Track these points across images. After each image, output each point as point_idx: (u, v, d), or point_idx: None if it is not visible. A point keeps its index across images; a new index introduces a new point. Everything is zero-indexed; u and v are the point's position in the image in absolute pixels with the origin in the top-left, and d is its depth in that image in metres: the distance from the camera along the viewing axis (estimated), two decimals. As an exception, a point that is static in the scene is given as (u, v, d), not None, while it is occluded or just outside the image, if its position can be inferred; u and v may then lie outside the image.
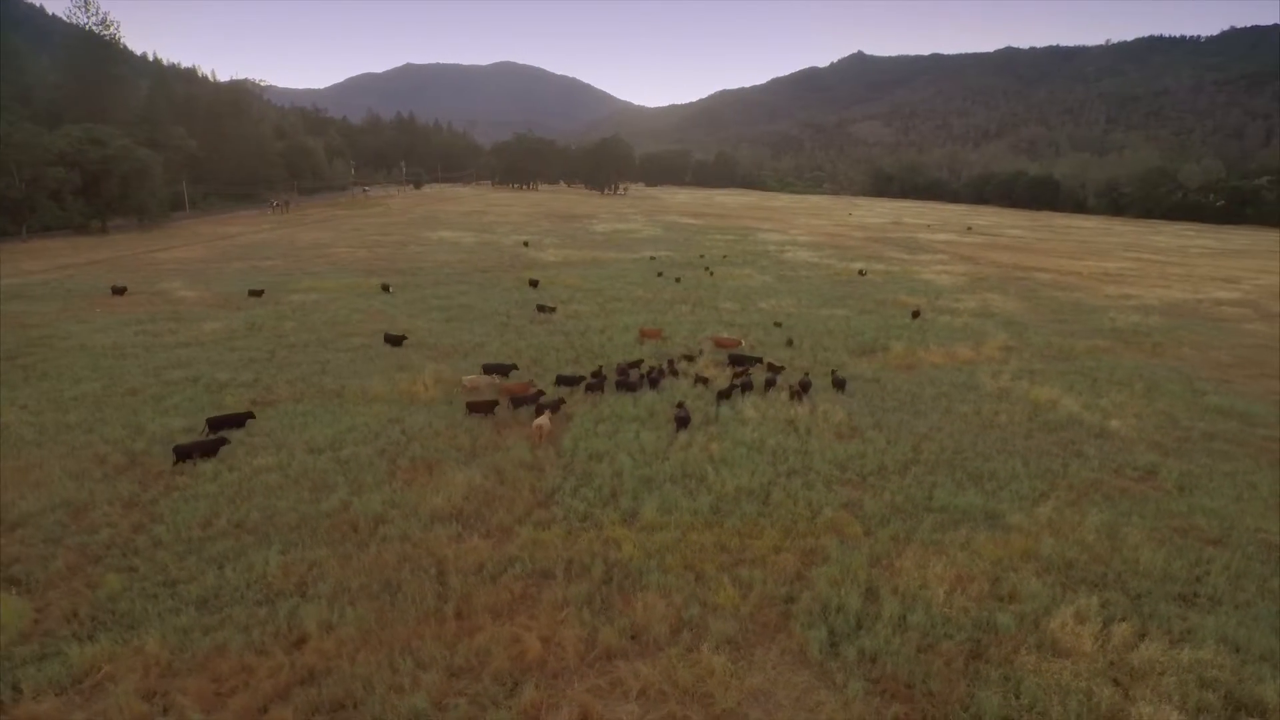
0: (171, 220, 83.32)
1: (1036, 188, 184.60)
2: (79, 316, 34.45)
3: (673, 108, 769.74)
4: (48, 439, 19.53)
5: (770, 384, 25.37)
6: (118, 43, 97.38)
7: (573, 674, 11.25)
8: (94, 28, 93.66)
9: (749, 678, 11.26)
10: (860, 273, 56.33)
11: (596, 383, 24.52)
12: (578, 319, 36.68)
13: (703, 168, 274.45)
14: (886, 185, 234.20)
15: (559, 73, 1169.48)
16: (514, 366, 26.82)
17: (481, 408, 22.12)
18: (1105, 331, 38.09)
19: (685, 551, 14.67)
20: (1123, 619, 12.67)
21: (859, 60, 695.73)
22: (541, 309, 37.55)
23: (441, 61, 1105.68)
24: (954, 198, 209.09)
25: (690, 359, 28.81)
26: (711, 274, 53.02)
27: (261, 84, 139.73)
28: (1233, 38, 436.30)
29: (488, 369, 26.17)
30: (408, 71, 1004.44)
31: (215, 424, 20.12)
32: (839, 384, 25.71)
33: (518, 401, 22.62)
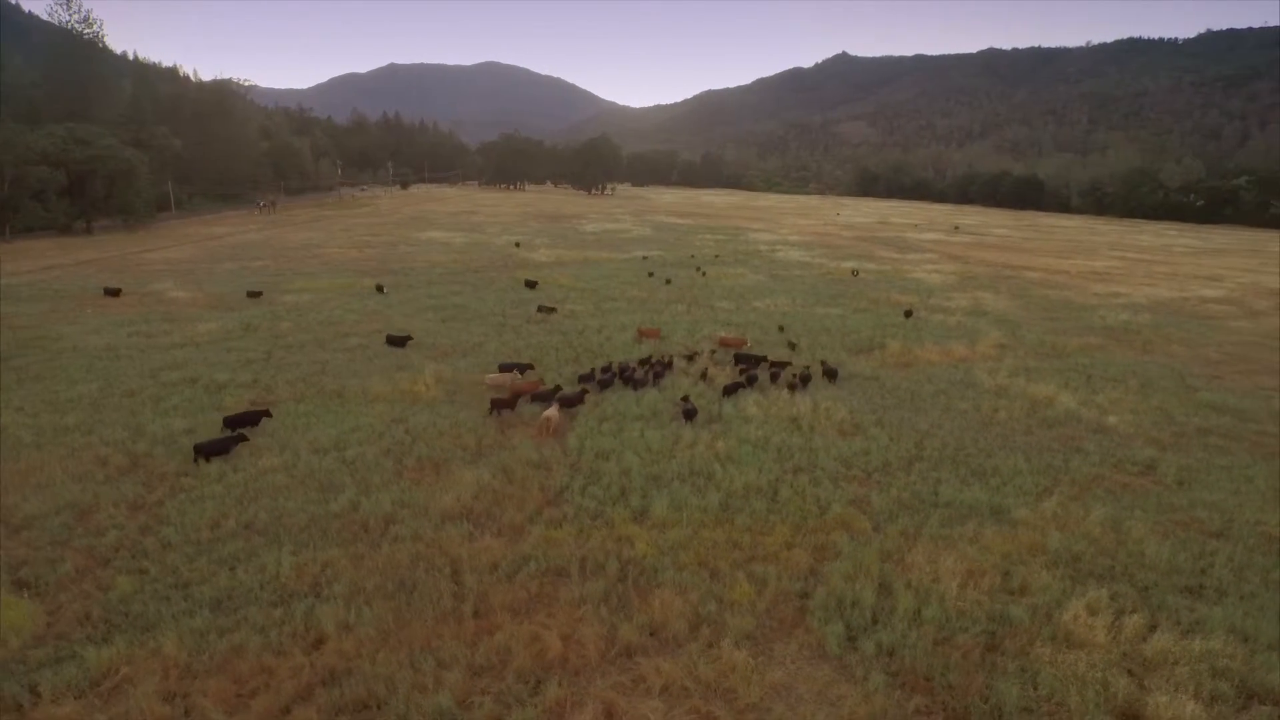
0: (157, 221, 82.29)
1: (1021, 187, 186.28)
2: (69, 318, 34.01)
3: (658, 108, 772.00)
4: (46, 441, 19.28)
5: (775, 376, 26.58)
6: (101, 41, 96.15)
7: (594, 671, 11.27)
8: (76, 26, 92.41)
9: (770, 673, 11.32)
10: (854, 273, 56.65)
11: (608, 378, 25.23)
12: (575, 319, 36.66)
13: (689, 168, 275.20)
14: (872, 185, 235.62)
15: (544, 73, 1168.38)
16: (530, 366, 27.12)
17: (504, 403, 22.40)
18: (1096, 329, 38.56)
19: (698, 548, 14.72)
20: (1133, 611, 12.86)
21: (843, 60, 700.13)
22: (542, 310, 37.54)
23: (426, 61, 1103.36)
24: (939, 197, 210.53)
25: (691, 358, 28.94)
26: (704, 274, 53.13)
27: (245, 84, 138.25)
28: (1209, 40, 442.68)
29: (503, 368, 26.33)
30: (392, 71, 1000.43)
31: (232, 422, 20.15)
32: (830, 373, 27.02)
33: (536, 398, 22.85)
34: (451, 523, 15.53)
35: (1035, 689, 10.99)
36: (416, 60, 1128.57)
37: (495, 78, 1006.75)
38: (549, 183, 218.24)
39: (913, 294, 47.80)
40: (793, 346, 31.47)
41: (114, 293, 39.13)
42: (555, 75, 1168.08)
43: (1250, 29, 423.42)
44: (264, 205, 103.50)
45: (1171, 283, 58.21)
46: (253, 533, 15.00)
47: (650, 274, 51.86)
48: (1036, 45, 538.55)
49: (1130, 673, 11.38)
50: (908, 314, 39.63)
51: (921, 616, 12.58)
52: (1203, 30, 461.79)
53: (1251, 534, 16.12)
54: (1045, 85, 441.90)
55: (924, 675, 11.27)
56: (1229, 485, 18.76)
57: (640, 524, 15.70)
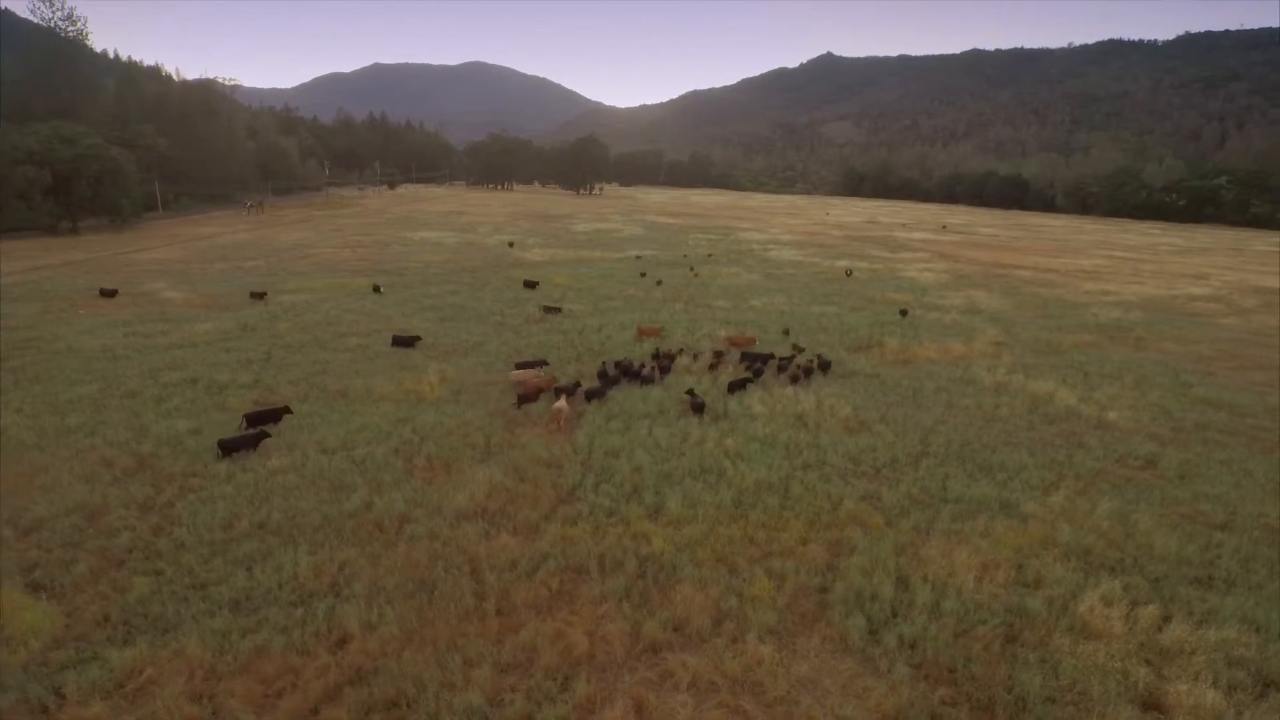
0: (144, 221, 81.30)
1: (1006, 187, 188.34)
2: (62, 318, 33.58)
3: (644, 108, 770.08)
4: (49, 442, 19.05)
5: (782, 369, 27.69)
6: (85, 39, 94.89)
7: (621, 667, 11.31)
8: (59, 24, 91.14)
9: (795, 666, 11.41)
10: (848, 272, 56.94)
11: (617, 375, 25.73)
12: (574, 318, 36.65)
13: (676, 168, 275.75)
14: (859, 185, 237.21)
15: (529, 73, 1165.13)
16: (544, 362, 27.38)
17: (529, 398, 22.80)
18: (1090, 327, 39.03)
19: (715, 545, 14.80)
20: (1147, 602, 13.07)
21: (828, 61, 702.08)
22: (547, 310, 37.53)
23: (410, 61, 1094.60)
24: (926, 197, 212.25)
25: (696, 357, 29.06)
26: (696, 274, 53.21)
27: (230, 83, 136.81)
28: (1188, 42, 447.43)
29: (520, 365, 26.63)
30: (376, 71, 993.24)
31: (254, 419, 20.15)
32: (824, 365, 28.08)
33: (559, 391, 23.11)
34: (467, 521, 15.51)
35: (1057, 679, 11.14)
36: (401, 60, 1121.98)
37: (481, 78, 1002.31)
38: (537, 183, 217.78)
39: (907, 292, 48.16)
40: (799, 350, 31.59)
41: (110, 294, 38.63)
42: (541, 75, 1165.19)
43: (1227, 31, 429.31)
44: (252, 205, 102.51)
45: (1159, 281, 59.01)
46: (267, 533, 14.90)
47: (643, 274, 51.85)
48: (1020, 46, 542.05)
49: (1149, 662, 11.58)
50: (903, 312, 39.90)
51: (940, 609, 12.73)
52: (1181, 32, 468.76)
53: (1255, 526, 16.41)
54: (1028, 86, 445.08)
55: (947, 667, 11.40)
56: (1229, 479, 19.07)
57: (655, 521, 15.75)
